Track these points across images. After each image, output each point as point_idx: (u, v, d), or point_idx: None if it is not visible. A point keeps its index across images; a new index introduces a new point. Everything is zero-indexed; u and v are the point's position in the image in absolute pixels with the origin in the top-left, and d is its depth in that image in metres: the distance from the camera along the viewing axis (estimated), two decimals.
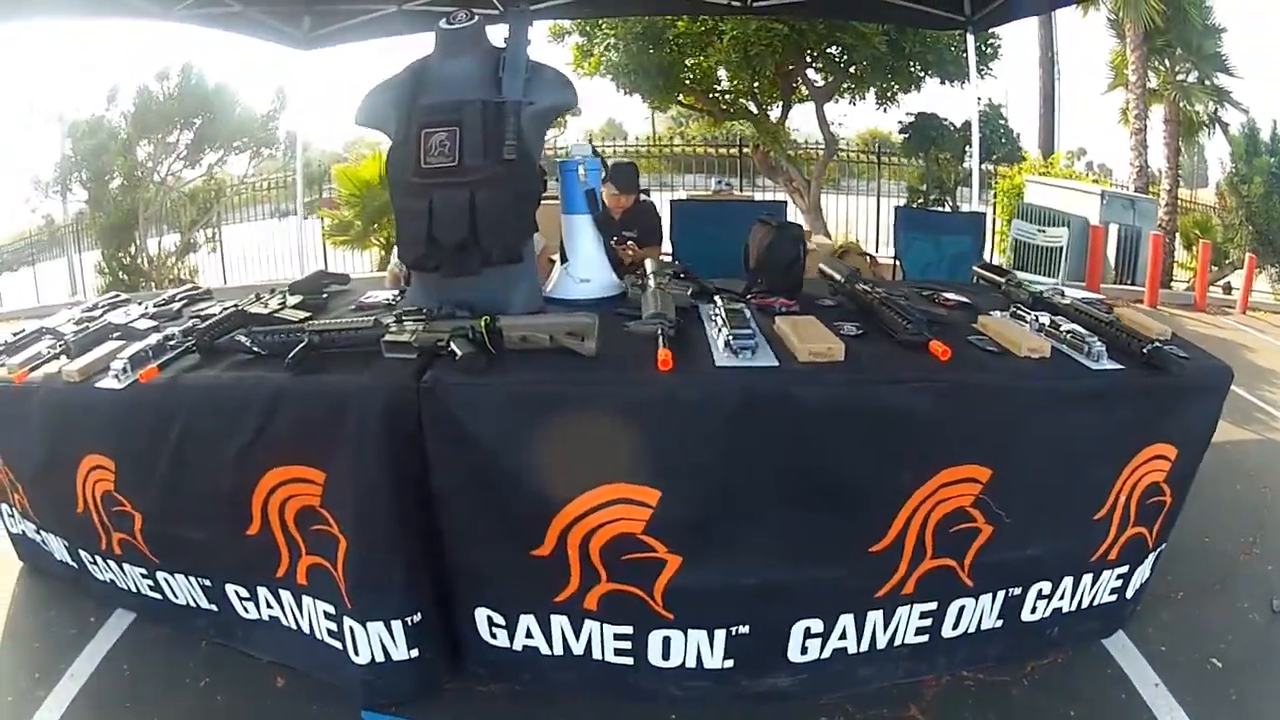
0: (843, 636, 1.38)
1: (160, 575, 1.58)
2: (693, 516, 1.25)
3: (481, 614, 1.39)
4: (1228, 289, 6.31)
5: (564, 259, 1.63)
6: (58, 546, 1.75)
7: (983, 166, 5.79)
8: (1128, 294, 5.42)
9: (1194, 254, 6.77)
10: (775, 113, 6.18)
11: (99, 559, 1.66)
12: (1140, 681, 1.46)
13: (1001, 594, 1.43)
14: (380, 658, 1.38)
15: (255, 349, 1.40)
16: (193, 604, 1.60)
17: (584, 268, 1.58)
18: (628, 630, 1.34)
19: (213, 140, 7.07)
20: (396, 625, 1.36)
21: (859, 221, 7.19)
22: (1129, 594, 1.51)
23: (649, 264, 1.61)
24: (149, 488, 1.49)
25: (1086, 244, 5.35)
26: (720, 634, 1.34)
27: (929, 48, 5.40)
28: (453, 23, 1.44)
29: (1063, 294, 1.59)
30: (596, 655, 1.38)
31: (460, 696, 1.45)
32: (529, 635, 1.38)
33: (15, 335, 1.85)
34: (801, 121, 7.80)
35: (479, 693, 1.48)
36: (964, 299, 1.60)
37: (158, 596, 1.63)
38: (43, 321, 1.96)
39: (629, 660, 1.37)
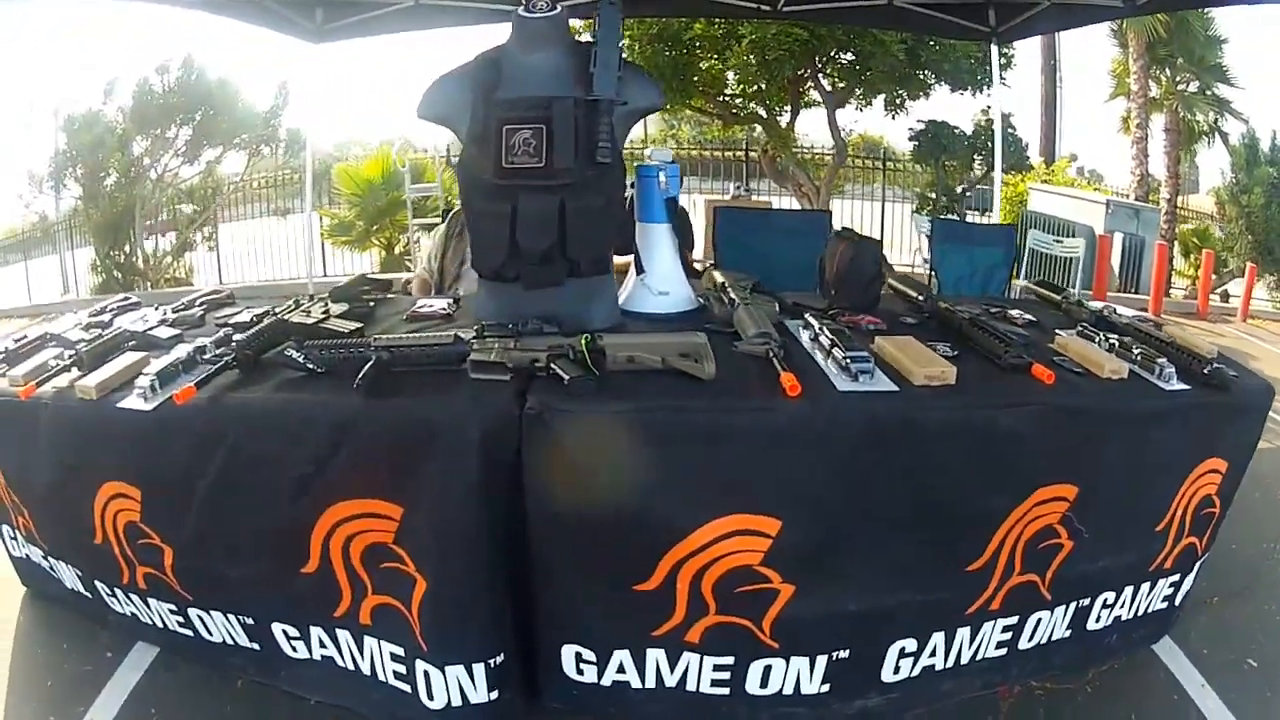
0: (932, 654, 1.31)
1: (193, 612, 1.38)
2: (810, 545, 1.13)
3: (569, 651, 1.24)
4: (1225, 297, 6.28)
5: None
6: (69, 575, 1.51)
7: (990, 174, 5.70)
8: (1132, 302, 5.46)
9: (1191, 262, 6.73)
10: (784, 118, 5.97)
11: (119, 592, 1.43)
12: (1188, 683, 1.48)
13: (1073, 605, 1.40)
14: (457, 701, 1.23)
15: (310, 366, 1.16)
16: (230, 642, 1.40)
17: (662, 280, 1.41)
18: (729, 661, 1.22)
19: (212, 136, 6.60)
20: (478, 668, 1.21)
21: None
22: (1177, 601, 1.49)
23: (718, 275, 1.44)
24: (183, 521, 1.28)
25: (1094, 253, 5.20)
26: (821, 660, 1.23)
27: (945, 57, 5.25)
28: (533, 11, 1.20)
29: (1115, 311, 1.52)
30: (690, 687, 1.25)
31: None
32: (620, 670, 1.24)
33: (17, 341, 1.57)
34: (808, 127, 7.47)
35: None
36: (1030, 317, 1.51)
37: (188, 633, 1.42)
38: (47, 327, 1.67)
39: (725, 690, 1.25)
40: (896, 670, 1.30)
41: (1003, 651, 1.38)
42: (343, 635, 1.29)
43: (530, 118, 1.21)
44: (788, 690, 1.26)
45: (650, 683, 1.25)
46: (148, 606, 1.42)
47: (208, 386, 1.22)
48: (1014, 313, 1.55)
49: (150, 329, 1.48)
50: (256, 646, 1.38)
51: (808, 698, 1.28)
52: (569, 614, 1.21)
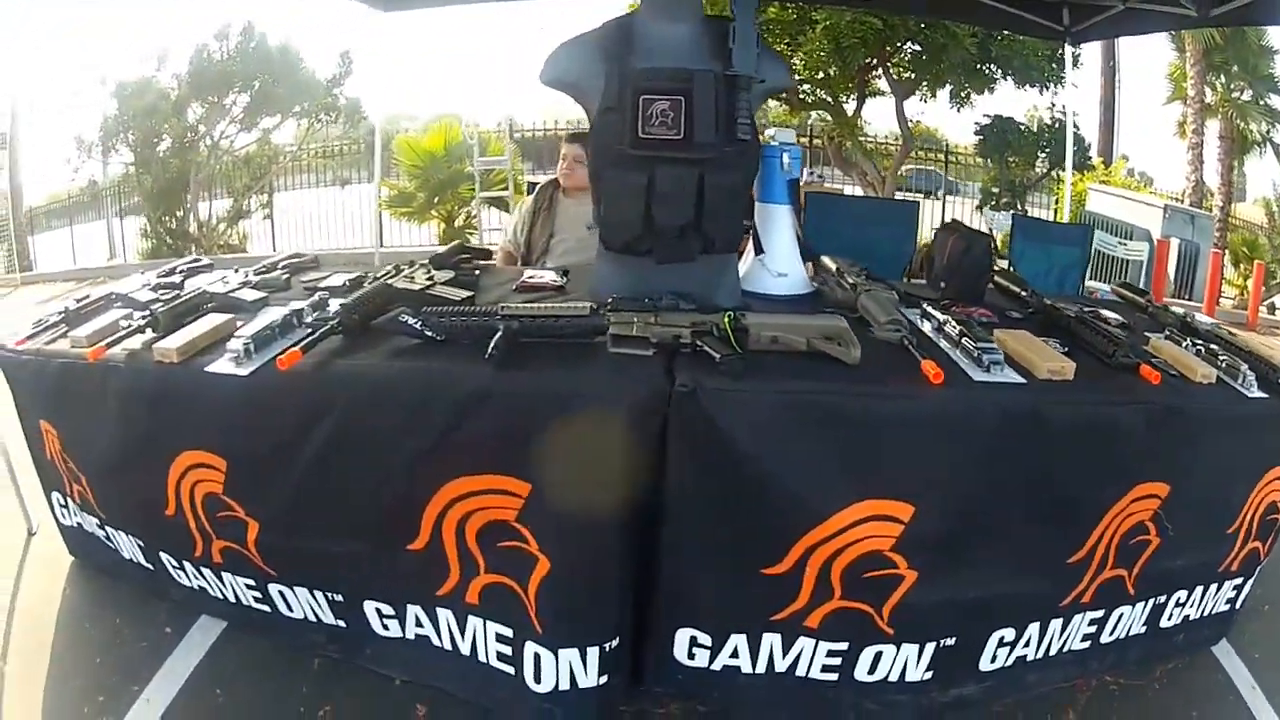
0: (1026, 644, 1.34)
1: (274, 588, 1.31)
2: (939, 533, 1.14)
3: (684, 634, 1.22)
4: (1272, 309, 6.20)
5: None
6: (129, 546, 1.42)
7: (1051, 172, 5.63)
8: (1185, 309, 5.38)
9: (1240, 271, 6.62)
10: (849, 105, 5.90)
11: (188, 566, 1.36)
12: (1242, 686, 1.52)
13: (1151, 602, 1.44)
14: (565, 685, 1.19)
15: (429, 333, 1.10)
16: (312, 618, 1.33)
17: (782, 261, 1.40)
18: (843, 647, 1.22)
19: (271, 104, 6.52)
20: (592, 652, 1.17)
21: (925, 220, 6.94)
22: (1238, 604, 1.56)
23: (829, 261, 1.44)
24: (273, 494, 1.22)
25: (1152, 257, 5.11)
26: (930, 648, 1.25)
27: (1015, 53, 5.21)
28: None
29: (1194, 318, 1.58)
30: (800, 673, 1.25)
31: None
32: (734, 655, 1.23)
33: (80, 302, 1.49)
34: (870, 117, 7.27)
35: (657, 715, 1.28)
36: (1120, 319, 1.55)
37: (264, 609, 1.35)
38: (111, 287, 1.60)
39: (833, 676, 1.25)
40: (993, 659, 1.32)
41: (1086, 645, 1.41)
42: (444, 615, 1.24)
43: (669, 89, 1.18)
44: (893, 677, 1.27)
45: (761, 668, 1.24)
46: (220, 581, 1.35)
47: (312, 352, 1.16)
48: (1105, 313, 1.59)
49: (232, 291, 1.39)
50: (342, 624, 1.31)
51: (911, 685, 1.28)
52: (690, 597, 1.18)
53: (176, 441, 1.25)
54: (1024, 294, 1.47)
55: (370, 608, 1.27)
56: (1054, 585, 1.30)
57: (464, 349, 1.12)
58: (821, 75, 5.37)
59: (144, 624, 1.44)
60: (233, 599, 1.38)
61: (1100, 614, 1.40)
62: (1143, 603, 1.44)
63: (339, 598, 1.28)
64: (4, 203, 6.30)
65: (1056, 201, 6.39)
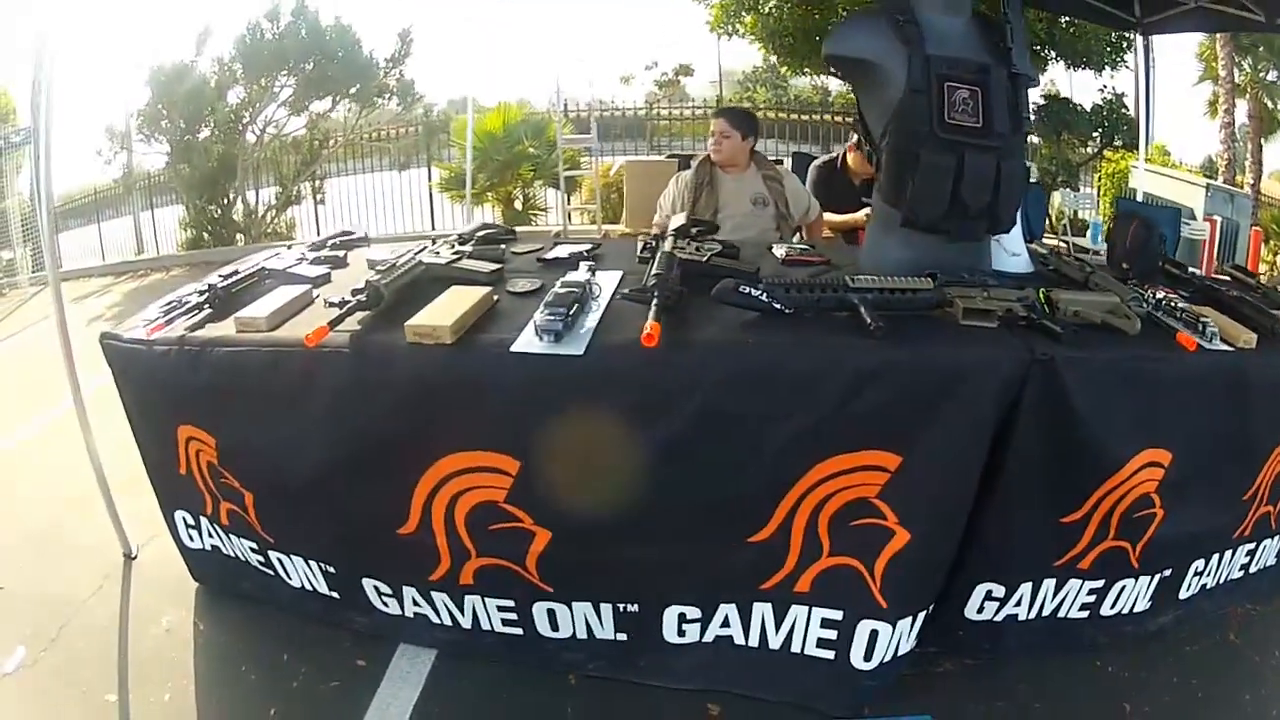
0: (1209, 574, 1.60)
1: (541, 607, 1.25)
2: (1184, 476, 1.34)
3: (981, 589, 1.36)
4: None
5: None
6: (303, 572, 1.30)
7: (1103, 152, 6.03)
8: None
9: (1271, 248, 6.88)
10: None
11: (411, 590, 1.26)
12: None
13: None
14: (889, 656, 1.27)
15: (777, 306, 1.09)
16: (581, 635, 1.28)
17: (1014, 242, 1.55)
18: (1100, 584, 1.41)
19: (322, 86, 6.31)
20: (920, 618, 1.28)
21: None
22: None
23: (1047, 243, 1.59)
24: (580, 498, 1.14)
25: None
26: (1156, 579, 1.48)
27: (1078, 38, 5.57)
28: None
29: None
30: (1061, 614, 1.43)
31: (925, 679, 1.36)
32: (1018, 603, 1.36)
33: (226, 276, 1.41)
34: None
35: (935, 674, 1.39)
36: (1247, 297, 1.81)
37: (513, 631, 1.27)
38: (257, 261, 1.54)
39: (1085, 614, 1.45)
40: (1189, 588, 1.58)
41: (1240, 574, 1.69)
42: (760, 610, 1.25)
43: (967, 79, 1.31)
44: (1125, 609, 1.49)
45: (1032, 614, 1.40)
46: (455, 604, 1.24)
47: (664, 330, 1.09)
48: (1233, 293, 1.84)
49: (454, 263, 1.35)
50: (622, 636, 1.27)
51: (1135, 616, 1.52)
52: (998, 551, 1.30)
53: (447, 442, 1.14)
54: (1185, 274, 1.71)
55: (672, 614, 1.26)
56: (1232, 518, 1.58)
57: (820, 323, 1.13)
58: None
59: (323, 660, 1.29)
60: (466, 624, 1.28)
61: (1252, 545, 1.69)
62: (1276, 538, 1.73)
63: (632, 608, 1.25)
64: (25, 201, 5.81)
65: (1099, 180, 6.82)
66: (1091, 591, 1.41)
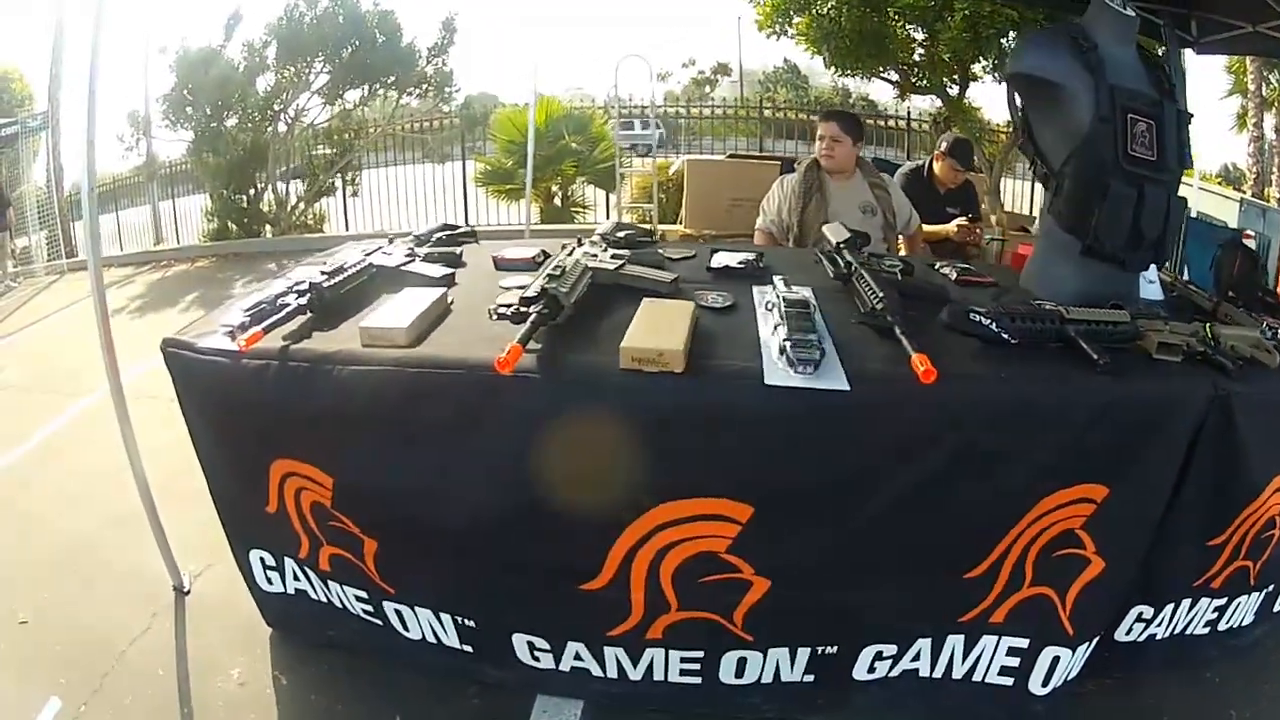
0: None
1: (732, 656, 1.21)
2: None
3: (1134, 612, 1.42)
4: None
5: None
6: (428, 623, 1.19)
7: None
8: None
9: None
10: (952, 90, 6.01)
11: (582, 646, 1.17)
12: None
13: None
14: (1061, 681, 1.33)
15: (1004, 335, 1.14)
16: (769, 680, 1.24)
17: (1151, 270, 1.60)
18: (1223, 602, 1.49)
19: (360, 73, 6.21)
20: (1095, 641, 1.34)
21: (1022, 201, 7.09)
22: None
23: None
24: (816, 539, 1.11)
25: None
26: (1255, 595, 1.56)
27: None
28: (1125, 9, 1.32)
29: None
30: (1190, 631, 1.53)
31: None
32: (1160, 624, 1.46)
33: (330, 274, 1.27)
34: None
35: (1090, 692, 1.44)
36: None
37: (692, 681, 1.22)
38: (347, 258, 1.39)
39: (1206, 630, 1.54)
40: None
41: None
42: (953, 641, 1.27)
43: (1145, 111, 1.38)
44: (1236, 624, 1.61)
45: (1167, 632, 1.48)
46: (629, 658, 1.18)
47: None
48: None
49: (598, 263, 1.30)
50: (810, 678, 1.26)
51: (1241, 629, 1.63)
52: (1156, 575, 1.35)
53: (664, 488, 1.05)
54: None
55: (869, 653, 1.26)
56: None
57: (1041, 355, 1.16)
58: (927, 60, 5.62)
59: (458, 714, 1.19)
60: (635, 676, 1.21)
61: None
62: None
63: (831, 650, 1.24)
64: (40, 187, 5.99)
65: None
66: (1216, 609, 1.53)
